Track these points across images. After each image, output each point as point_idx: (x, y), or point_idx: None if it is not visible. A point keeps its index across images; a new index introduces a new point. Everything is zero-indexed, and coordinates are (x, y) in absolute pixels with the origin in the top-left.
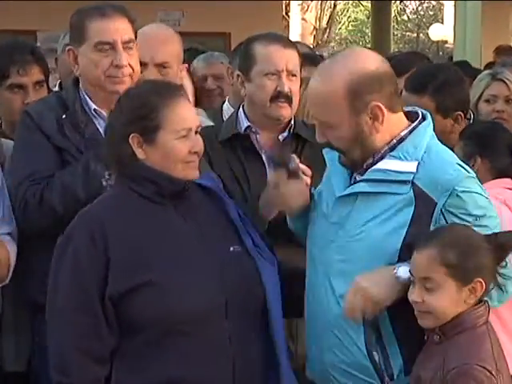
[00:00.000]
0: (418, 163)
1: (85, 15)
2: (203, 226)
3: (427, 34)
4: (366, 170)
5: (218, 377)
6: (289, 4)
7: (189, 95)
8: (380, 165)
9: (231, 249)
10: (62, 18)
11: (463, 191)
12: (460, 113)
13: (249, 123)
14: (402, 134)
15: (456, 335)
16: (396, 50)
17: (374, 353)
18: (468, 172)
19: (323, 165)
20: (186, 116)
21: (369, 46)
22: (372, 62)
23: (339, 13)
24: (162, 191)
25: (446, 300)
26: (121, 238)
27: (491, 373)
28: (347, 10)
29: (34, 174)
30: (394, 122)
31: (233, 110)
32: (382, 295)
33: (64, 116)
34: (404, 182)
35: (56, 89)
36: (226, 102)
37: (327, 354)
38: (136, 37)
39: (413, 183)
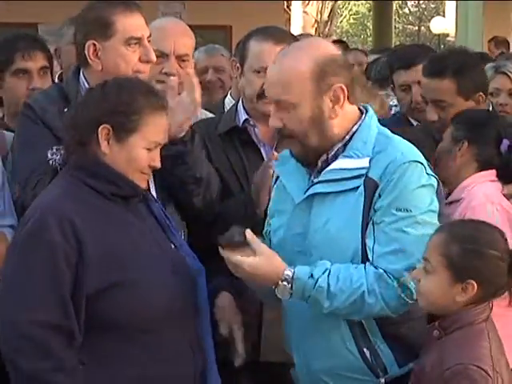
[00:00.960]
0: (370, 158)
1: (108, 10)
2: (148, 225)
3: (428, 27)
4: (321, 170)
5: (183, 373)
6: None
7: (197, 93)
8: (334, 165)
9: (172, 247)
10: (63, 12)
11: (400, 173)
12: (481, 94)
13: (247, 116)
14: (354, 128)
15: (454, 331)
16: (397, 43)
17: (365, 350)
18: (416, 157)
19: None
20: (162, 130)
21: (370, 39)
22: (335, 48)
23: (340, 6)
24: (120, 193)
25: (435, 287)
26: (91, 235)
27: (487, 372)
28: (348, 3)
29: (42, 167)
30: (349, 112)
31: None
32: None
33: (66, 109)
34: (358, 177)
35: (56, 81)
36: (229, 95)
37: (315, 361)
38: None
39: (366, 176)
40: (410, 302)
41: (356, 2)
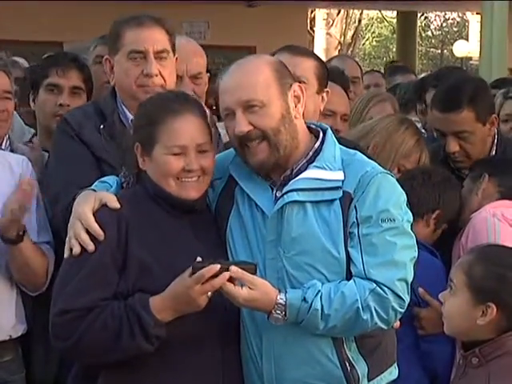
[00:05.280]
0: (343, 172)
1: (121, 25)
2: (211, 242)
3: (451, 50)
4: (285, 183)
5: None
6: (314, 18)
7: None
8: (306, 174)
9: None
10: (88, 30)
11: (376, 185)
12: (495, 115)
13: None
14: (316, 145)
15: (496, 358)
16: (420, 66)
17: (345, 359)
18: (385, 170)
19: None
20: (182, 133)
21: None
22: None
23: (364, 28)
24: (172, 206)
25: (456, 307)
26: (138, 242)
27: None
28: (371, 26)
29: (77, 182)
30: (302, 123)
31: None
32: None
33: (102, 126)
34: (335, 189)
35: None
36: None
37: (290, 371)
38: (174, 50)
39: (343, 191)
40: (401, 311)
41: (379, 25)
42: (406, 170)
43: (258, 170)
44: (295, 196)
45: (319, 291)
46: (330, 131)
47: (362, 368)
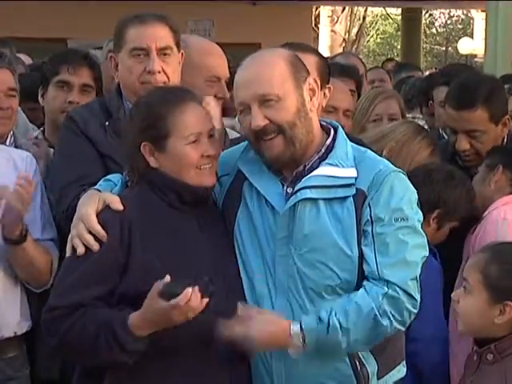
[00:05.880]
0: (356, 169)
1: (125, 23)
2: (218, 237)
3: (456, 47)
4: (297, 179)
5: None
6: (318, 15)
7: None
8: (319, 171)
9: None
10: (92, 28)
11: (390, 183)
12: (508, 116)
13: None
14: (328, 142)
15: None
16: (425, 63)
17: (356, 360)
18: (397, 168)
19: None
20: (194, 121)
21: (397, 58)
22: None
23: (368, 25)
24: (183, 199)
25: (473, 307)
26: (142, 243)
27: None
28: (376, 23)
29: (82, 179)
30: (316, 116)
31: None
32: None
33: (107, 123)
34: (348, 186)
35: None
36: None
37: (298, 367)
38: (179, 47)
39: (356, 188)
40: (414, 311)
41: (384, 22)
42: None
43: (274, 164)
44: (308, 193)
45: (331, 309)
46: (341, 128)
47: (371, 366)
